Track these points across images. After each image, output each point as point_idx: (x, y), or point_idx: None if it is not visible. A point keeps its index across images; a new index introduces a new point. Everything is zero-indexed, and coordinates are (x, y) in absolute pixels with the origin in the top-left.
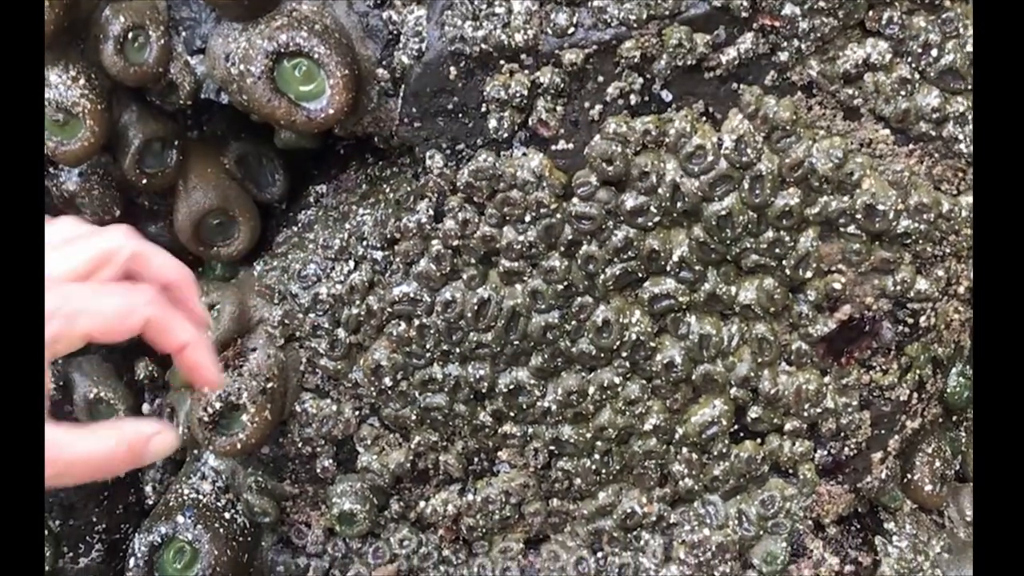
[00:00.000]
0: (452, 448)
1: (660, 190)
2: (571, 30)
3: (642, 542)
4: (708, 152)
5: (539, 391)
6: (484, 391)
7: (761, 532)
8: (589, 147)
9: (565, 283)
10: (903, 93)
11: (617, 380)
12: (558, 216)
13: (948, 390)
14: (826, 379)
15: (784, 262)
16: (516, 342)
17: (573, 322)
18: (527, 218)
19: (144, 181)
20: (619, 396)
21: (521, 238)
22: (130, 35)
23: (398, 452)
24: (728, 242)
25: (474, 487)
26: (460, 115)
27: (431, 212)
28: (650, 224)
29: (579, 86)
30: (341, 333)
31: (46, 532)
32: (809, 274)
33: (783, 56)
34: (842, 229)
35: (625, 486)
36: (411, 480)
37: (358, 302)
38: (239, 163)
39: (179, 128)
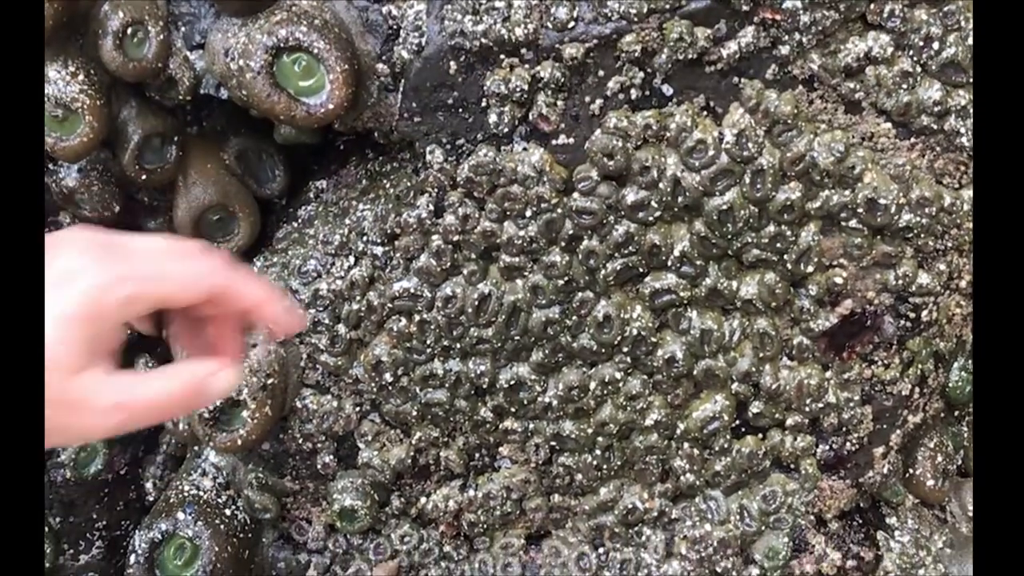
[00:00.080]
0: (453, 444)
1: (661, 185)
2: (571, 24)
3: (643, 538)
4: (709, 146)
5: (540, 386)
6: (485, 387)
7: (763, 527)
8: (590, 142)
9: (566, 278)
10: (905, 86)
11: (618, 375)
12: (559, 211)
13: (950, 385)
14: (828, 374)
15: (785, 257)
16: (517, 337)
17: (574, 317)
18: (528, 213)
19: (144, 177)
20: (620, 391)
21: (522, 233)
22: (129, 30)
23: (399, 448)
24: (729, 237)
25: (475, 483)
26: (460, 110)
27: (431, 207)
28: (651, 219)
29: (579, 80)
30: (341, 329)
31: (47, 529)
32: (810, 268)
33: (784, 50)
34: (843, 223)
35: (626, 482)
36: (412, 476)
37: (358, 298)
38: (239, 159)
39: (179, 124)
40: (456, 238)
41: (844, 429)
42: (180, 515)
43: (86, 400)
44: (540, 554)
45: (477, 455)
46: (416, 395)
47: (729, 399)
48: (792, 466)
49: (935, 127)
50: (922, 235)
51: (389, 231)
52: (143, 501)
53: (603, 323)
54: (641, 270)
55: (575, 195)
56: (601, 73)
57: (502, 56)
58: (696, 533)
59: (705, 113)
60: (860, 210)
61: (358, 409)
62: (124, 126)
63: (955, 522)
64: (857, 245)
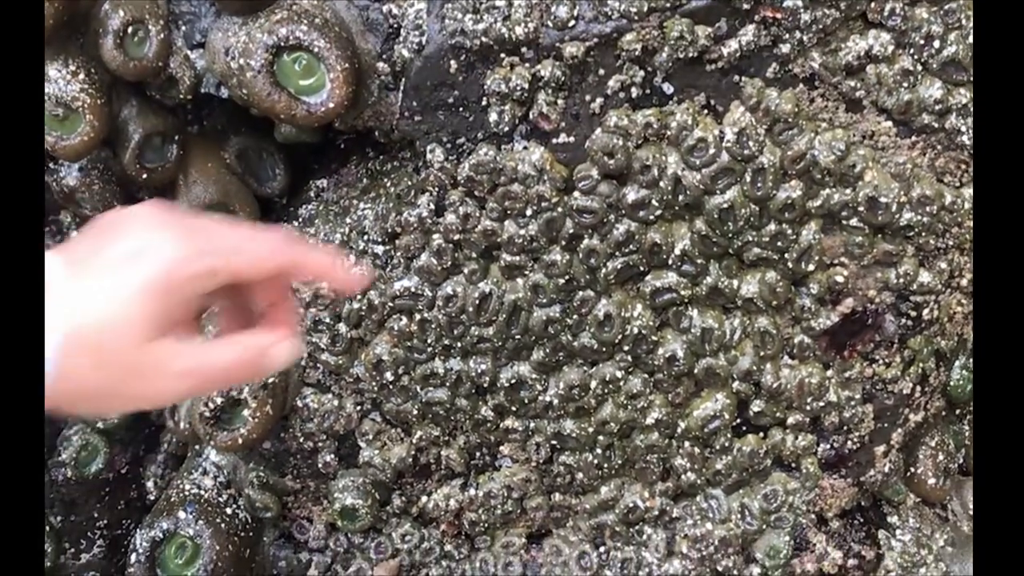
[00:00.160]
0: (454, 443)
1: (662, 183)
2: (572, 23)
3: (644, 536)
4: (710, 145)
5: (541, 385)
6: (486, 385)
7: (764, 526)
8: (590, 140)
9: (566, 277)
10: (905, 85)
11: (619, 374)
12: (559, 210)
13: (951, 383)
14: (829, 372)
15: (786, 255)
16: (517, 336)
17: (575, 316)
18: (528, 212)
19: (144, 176)
20: (621, 390)
21: (522, 232)
22: (130, 29)
23: (400, 447)
24: (730, 235)
25: (476, 482)
26: (461, 109)
27: (432, 206)
28: (652, 217)
29: (580, 79)
30: (342, 328)
31: (48, 528)
32: (811, 267)
33: (785, 48)
34: (844, 222)
35: (627, 480)
36: (413, 475)
37: (359, 297)
38: (239, 157)
39: (179, 123)
40: (457, 237)
41: (845, 428)
42: (181, 514)
43: (158, 368)
44: (541, 553)
45: (478, 454)
46: (417, 394)
47: (730, 398)
48: (793, 465)
49: (936, 125)
50: (923, 233)
51: (390, 230)
52: (144, 500)
53: (604, 322)
54: (642, 269)
55: (576, 194)
56: (601, 72)
57: (502, 55)
58: (697, 532)
59: (706, 112)
60: (861, 208)
61: (359, 408)
62: (125, 125)
63: (956, 521)
64: (858, 243)
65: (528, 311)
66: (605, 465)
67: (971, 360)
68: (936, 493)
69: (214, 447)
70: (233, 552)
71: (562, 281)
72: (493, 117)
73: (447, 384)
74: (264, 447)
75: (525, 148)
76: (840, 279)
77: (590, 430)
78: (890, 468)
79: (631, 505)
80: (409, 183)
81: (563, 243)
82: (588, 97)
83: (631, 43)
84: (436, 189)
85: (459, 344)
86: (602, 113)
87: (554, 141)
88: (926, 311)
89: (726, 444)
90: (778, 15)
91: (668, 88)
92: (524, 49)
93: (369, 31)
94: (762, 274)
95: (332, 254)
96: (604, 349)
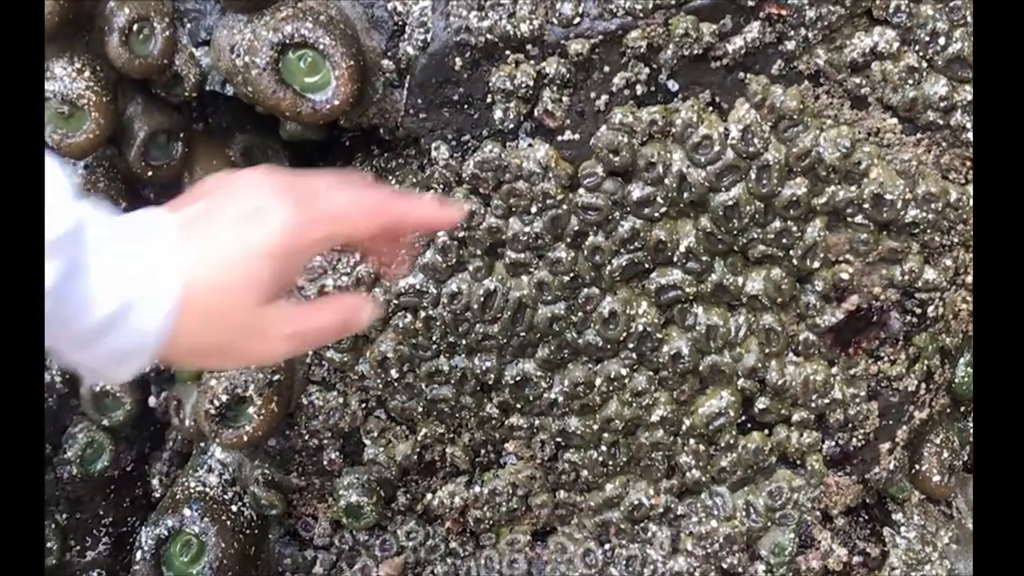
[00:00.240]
0: (459, 440)
1: (667, 180)
2: (577, 20)
3: (649, 534)
4: (715, 142)
5: (546, 383)
6: (490, 383)
7: (769, 523)
8: (595, 138)
9: (571, 274)
10: (911, 82)
11: (624, 371)
12: (564, 207)
13: (956, 380)
14: (834, 370)
15: (791, 252)
16: (522, 334)
17: (579, 313)
18: (533, 209)
19: (150, 173)
20: (626, 387)
21: (527, 229)
22: (135, 27)
23: (405, 444)
24: (735, 232)
25: (481, 479)
26: (465, 106)
27: None
28: (657, 215)
29: (585, 76)
30: None
31: (53, 525)
32: (816, 264)
33: (790, 45)
34: (850, 219)
35: (632, 478)
36: (418, 472)
37: (364, 294)
38: (244, 155)
39: (184, 120)
40: (461, 234)
41: (850, 425)
42: (186, 512)
43: (266, 331)
44: (546, 550)
45: (483, 451)
46: (422, 391)
47: (735, 395)
48: (798, 462)
49: (941, 122)
50: (928, 231)
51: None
52: (149, 498)
53: (609, 319)
54: (647, 266)
55: (580, 191)
56: (606, 69)
57: (507, 52)
58: (702, 529)
59: (711, 109)
60: (866, 206)
61: (364, 405)
62: (130, 123)
63: (961, 518)
64: (863, 241)
65: (533, 308)
66: (610, 462)
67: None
68: (941, 490)
69: (219, 445)
70: (238, 549)
71: (567, 278)
72: (498, 114)
73: (452, 381)
74: (269, 445)
75: (530, 145)
76: (845, 276)
77: (595, 427)
78: (895, 465)
79: (636, 502)
80: (414, 180)
81: (568, 240)
82: (593, 94)
83: (636, 40)
84: (441, 186)
85: (464, 341)
86: (607, 110)
87: (559, 138)
88: (931, 308)
89: (731, 441)
90: (783, 12)
91: (673, 85)
92: (529, 46)
93: (374, 28)
94: (767, 271)
95: (432, 203)
96: (609, 346)
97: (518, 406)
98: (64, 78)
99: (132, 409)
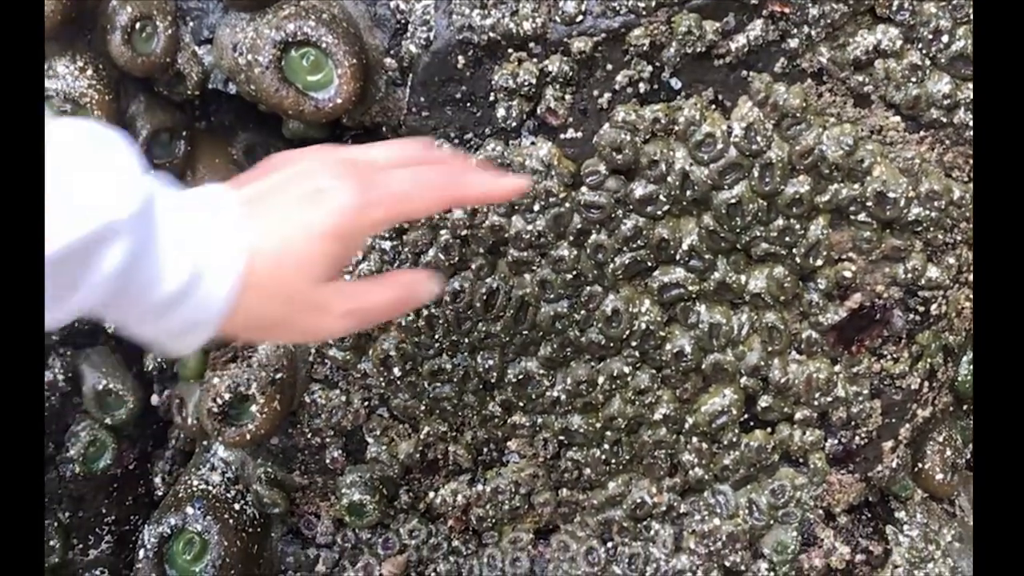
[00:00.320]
0: (461, 438)
1: (669, 178)
2: (580, 18)
3: (652, 532)
4: (718, 140)
5: (548, 381)
6: (493, 381)
7: (772, 521)
8: (598, 136)
9: (574, 272)
10: (914, 80)
11: (627, 370)
12: (567, 205)
13: (959, 378)
14: (836, 368)
15: (794, 250)
16: (525, 332)
17: (582, 312)
18: (536, 207)
19: (152, 172)
20: (629, 386)
21: (530, 227)
22: (137, 25)
23: (407, 443)
24: (738, 230)
25: (483, 477)
26: (468, 104)
27: None
28: (659, 213)
29: (588, 74)
30: None
31: (56, 524)
32: (819, 262)
33: (793, 43)
34: (852, 217)
35: (635, 476)
36: (420, 470)
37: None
38: (247, 153)
39: (187, 118)
40: (464, 232)
41: (853, 423)
42: (189, 510)
43: (327, 307)
44: (549, 548)
45: (485, 450)
46: (424, 390)
47: (738, 393)
48: (801, 460)
49: (944, 120)
50: (931, 229)
51: (397, 225)
52: (152, 496)
53: (611, 317)
54: (649, 264)
55: (583, 189)
56: (609, 67)
57: (510, 50)
58: (705, 527)
59: (714, 107)
60: (869, 204)
61: (366, 404)
62: (132, 121)
63: (964, 516)
64: (866, 239)
65: (535, 306)
66: (613, 461)
67: None
68: (944, 488)
69: (222, 443)
70: (241, 548)
71: (570, 276)
72: (501, 112)
73: (454, 380)
74: (272, 443)
75: (533, 143)
76: (848, 274)
77: (598, 426)
78: (898, 463)
79: (639, 501)
80: None
81: (571, 238)
82: (596, 92)
83: (639, 38)
84: None
85: (466, 340)
86: (610, 108)
87: (562, 136)
88: (934, 306)
89: (734, 439)
90: (786, 10)
91: (676, 83)
92: (532, 44)
93: (376, 27)
94: (770, 269)
95: (492, 177)
96: (612, 344)
97: (521, 404)
98: (66, 76)
99: (135, 407)
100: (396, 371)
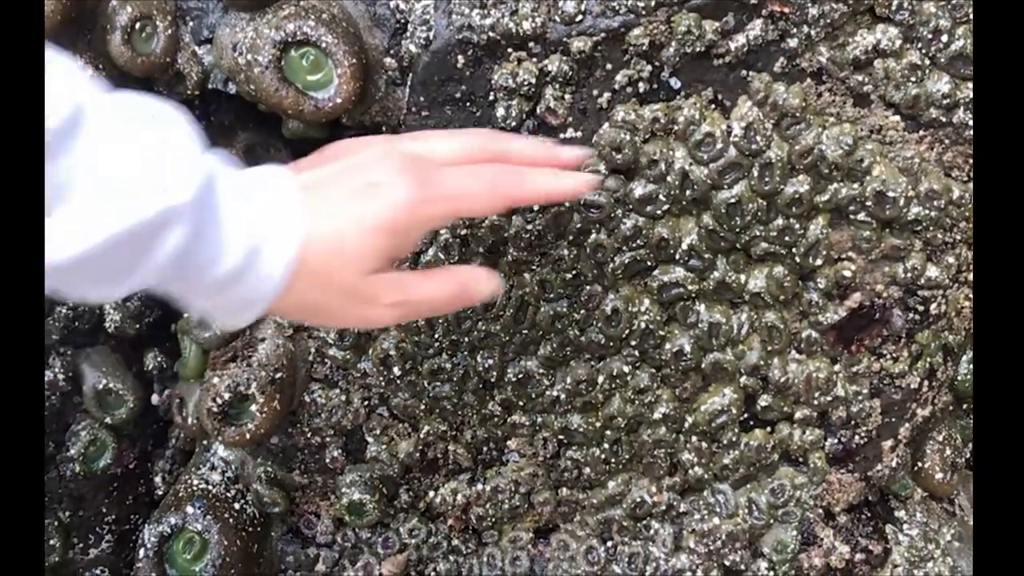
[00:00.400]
0: (461, 438)
1: (669, 178)
2: (579, 18)
3: (652, 531)
4: (717, 140)
5: (548, 380)
6: (493, 380)
7: (771, 521)
8: (597, 135)
9: (574, 272)
10: (913, 79)
11: (626, 369)
12: (566, 205)
13: (959, 378)
14: (836, 367)
15: (794, 250)
16: (525, 331)
17: (582, 311)
18: (535, 207)
19: None
20: (628, 385)
21: (529, 227)
22: (137, 25)
23: (407, 442)
24: (737, 230)
25: (483, 477)
26: (468, 104)
27: None
28: (659, 212)
29: (587, 74)
30: None
31: (56, 523)
32: (819, 262)
33: (792, 42)
34: (852, 216)
35: (634, 475)
36: (420, 470)
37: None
38: (247, 153)
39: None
40: (464, 232)
41: (853, 422)
42: (189, 509)
43: (376, 296)
44: (548, 548)
45: (485, 449)
46: (424, 389)
47: (737, 392)
48: (800, 459)
49: (944, 120)
50: (931, 228)
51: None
52: (152, 495)
53: (611, 317)
54: (649, 264)
55: None
56: (609, 66)
57: (510, 50)
58: (704, 526)
59: (713, 106)
60: (869, 203)
61: (366, 403)
62: None
63: (964, 515)
64: (866, 238)
65: (535, 306)
66: (612, 460)
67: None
68: (943, 488)
69: (222, 442)
70: (241, 547)
71: (569, 276)
72: (500, 112)
73: (454, 379)
74: (272, 442)
75: None
76: (848, 273)
77: (597, 425)
78: (897, 463)
79: (638, 500)
80: None
81: (570, 238)
82: (595, 92)
83: (638, 38)
84: None
85: (466, 339)
86: (609, 108)
87: (561, 136)
88: (933, 306)
89: (733, 439)
90: (785, 9)
91: (675, 83)
92: (531, 44)
93: (376, 26)
94: (769, 269)
95: (553, 176)
96: (611, 344)
97: (520, 404)
98: None
99: (135, 407)
100: (396, 370)
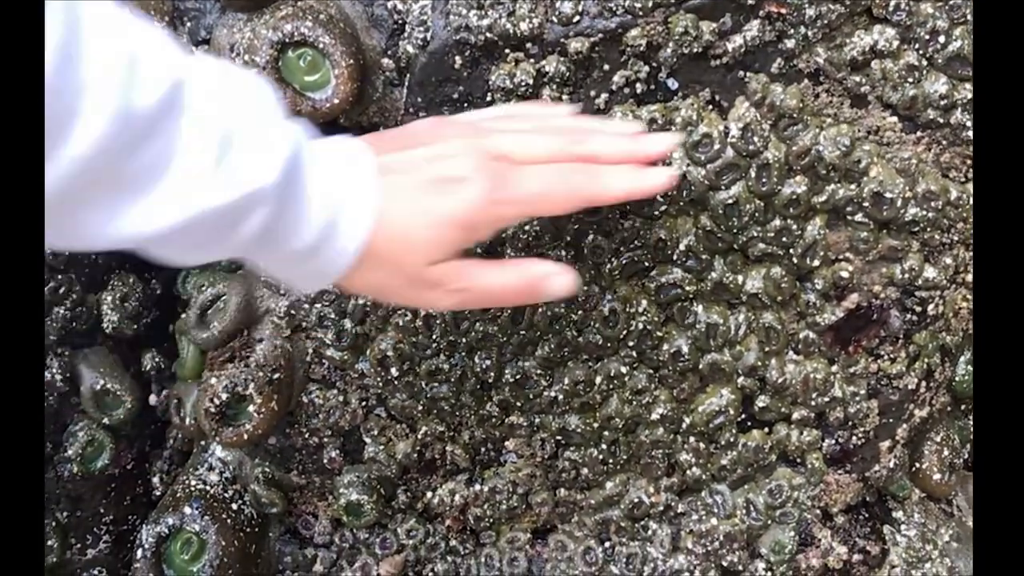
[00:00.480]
0: (459, 438)
1: None
2: (576, 18)
3: (650, 532)
4: (714, 140)
5: (546, 381)
6: (491, 381)
7: (769, 521)
8: None
9: None
10: (910, 80)
11: (624, 370)
12: None
13: (956, 379)
14: (834, 368)
15: (791, 251)
16: (522, 332)
17: (580, 312)
18: None
19: None
20: (626, 386)
21: (527, 228)
22: None
23: (405, 442)
24: (735, 231)
25: (481, 477)
26: (465, 104)
27: None
28: (656, 213)
29: (585, 75)
30: (347, 323)
31: (54, 524)
32: (816, 262)
33: (790, 43)
34: (849, 217)
35: (632, 476)
36: (418, 470)
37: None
38: None
39: None
40: None
41: (850, 423)
42: (187, 510)
43: (439, 283)
44: (546, 548)
45: (483, 449)
46: (422, 390)
47: (735, 393)
48: (798, 460)
49: (941, 121)
50: (928, 229)
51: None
52: (150, 496)
53: (609, 317)
54: (646, 264)
55: None
56: (606, 67)
57: (507, 50)
58: (702, 527)
59: (710, 107)
60: (866, 204)
61: (364, 404)
62: None
63: (961, 516)
64: (863, 239)
65: (532, 307)
66: (610, 460)
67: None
68: (941, 488)
69: (220, 443)
70: (239, 548)
71: None
72: None
73: (452, 380)
74: (269, 443)
75: None
76: (845, 274)
77: (595, 426)
78: (895, 463)
79: (636, 500)
80: None
81: (568, 239)
82: (593, 92)
83: (636, 38)
84: None
85: (464, 340)
86: (607, 108)
87: None
88: (931, 306)
89: (731, 439)
90: (783, 10)
91: (673, 83)
92: (529, 44)
93: (374, 27)
94: (767, 269)
95: (631, 174)
96: (609, 345)
97: (518, 404)
98: None
99: (132, 407)
100: (394, 371)
